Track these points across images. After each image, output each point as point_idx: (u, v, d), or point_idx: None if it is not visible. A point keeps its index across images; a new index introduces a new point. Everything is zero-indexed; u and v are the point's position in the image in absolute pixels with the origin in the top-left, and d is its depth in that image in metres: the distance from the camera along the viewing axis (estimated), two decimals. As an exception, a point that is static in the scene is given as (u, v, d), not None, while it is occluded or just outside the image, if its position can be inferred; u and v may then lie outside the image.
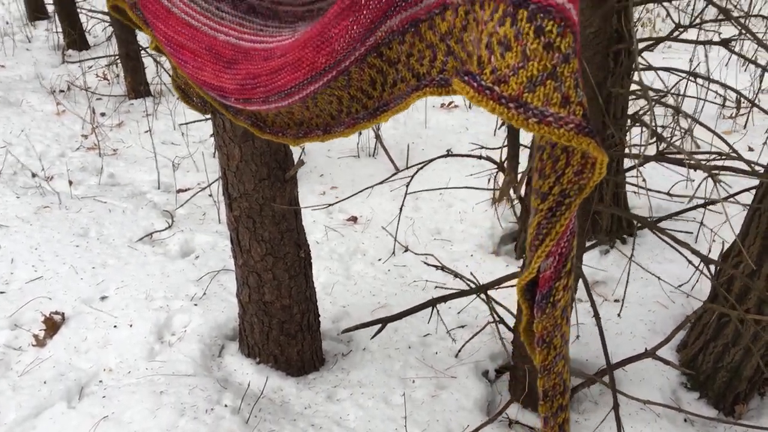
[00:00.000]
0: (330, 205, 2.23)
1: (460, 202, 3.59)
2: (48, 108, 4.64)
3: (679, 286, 2.80)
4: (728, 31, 5.68)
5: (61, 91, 4.98)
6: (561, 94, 0.76)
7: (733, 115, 4.45)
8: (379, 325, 2.09)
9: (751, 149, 4.07)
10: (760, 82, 3.84)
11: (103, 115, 4.67)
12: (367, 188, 2.31)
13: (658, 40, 2.06)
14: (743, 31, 1.62)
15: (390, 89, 1.11)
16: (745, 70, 5.23)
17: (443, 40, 0.98)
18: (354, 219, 3.51)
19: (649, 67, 1.95)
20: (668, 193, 2.31)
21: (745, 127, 4.40)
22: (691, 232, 3.06)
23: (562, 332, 1.01)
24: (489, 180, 3.58)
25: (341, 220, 3.50)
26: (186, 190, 3.76)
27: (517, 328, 2.25)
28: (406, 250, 2.70)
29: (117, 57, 5.04)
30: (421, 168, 2.27)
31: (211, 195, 3.65)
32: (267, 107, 1.29)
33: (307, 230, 3.19)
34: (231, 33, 1.43)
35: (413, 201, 3.58)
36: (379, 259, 3.17)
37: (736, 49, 5.35)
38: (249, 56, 1.36)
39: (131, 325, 2.64)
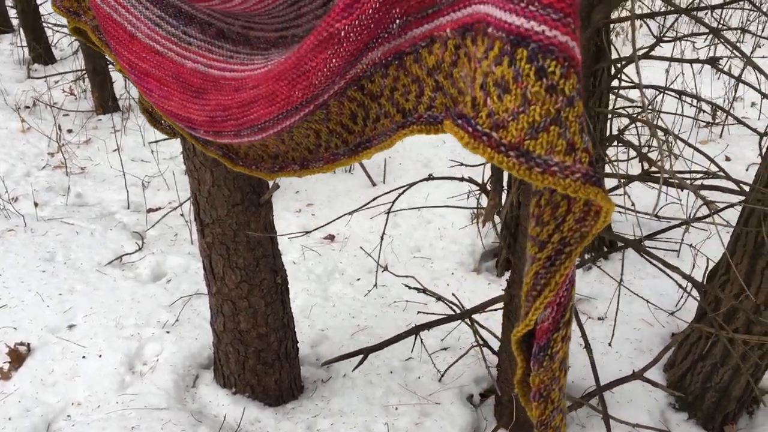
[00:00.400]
0: (308, 232, 2.15)
1: (439, 218, 3.52)
2: (12, 125, 4.49)
3: (671, 313, 2.75)
4: (702, 41, 5.70)
5: (27, 107, 4.83)
6: (566, 140, 0.69)
7: (709, 124, 4.46)
8: (361, 356, 2.00)
9: (728, 158, 4.06)
10: (735, 91, 3.84)
11: (70, 131, 4.53)
12: (346, 214, 2.23)
13: (642, 57, 2.01)
14: (732, 50, 1.58)
15: (373, 124, 1.03)
16: (719, 78, 5.25)
17: (431, 75, 0.91)
18: (331, 237, 3.42)
19: (632, 85, 1.90)
20: (655, 215, 2.26)
21: (721, 135, 4.40)
22: (676, 250, 3.02)
23: (560, 385, 0.95)
24: (468, 196, 3.52)
25: (318, 239, 3.41)
26: (157, 210, 3.65)
27: (502, 351, 2.19)
28: (385, 269, 2.62)
29: (84, 72, 4.90)
30: (402, 193, 2.20)
31: (182, 215, 3.54)
32: (239, 141, 1.21)
33: (284, 250, 3.10)
34: (199, 60, 1.34)
35: (392, 218, 3.50)
36: (358, 279, 3.09)
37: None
38: (219, 86, 1.27)
39: (100, 356, 2.53)
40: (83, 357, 2.53)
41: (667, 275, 1.94)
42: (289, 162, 1.22)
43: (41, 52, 5.61)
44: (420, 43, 0.90)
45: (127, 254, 3.18)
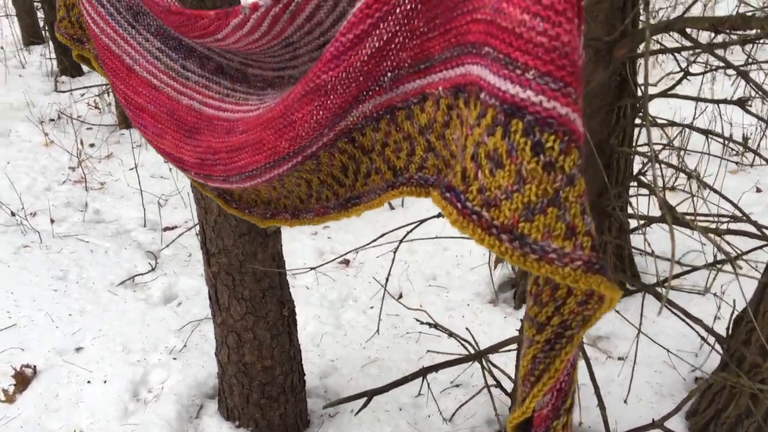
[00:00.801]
0: (314, 268, 2.08)
1: (456, 245, 3.44)
2: (36, 139, 4.52)
3: (694, 368, 2.64)
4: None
5: (51, 120, 4.86)
6: (565, 224, 0.62)
7: (740, 153, 4.32)
8: (365, 399, 1.93)
9: (759, 190, 3.93)
10: (765, 129, 3.70)
11: (92, 146, 4.54)
12: (360, 248, 2.16)
13: (663, 95, 1.92)
14: (758, 92, 1.49)
15: (363, 179, 0.97)
16: (751, 105, 5.09)
17: (422, 134, 0.85)
18: (346, 262, 3.36)
19: (655, 123, 1.81)
20: (678, 262, 2.16)
21: (752, 165, 4.26)
22: (701, 292, 2.90)
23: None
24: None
25: (333, 263, 3.35)
26: (173, 228, 3.62)
27: (515, 392, 2.10)
28: (400, 298, 2.55)
29: (108, 85, 4.92)
30: (419, 225, 2.13)
31: (197, 235, 3.50)
32: (228, 186, 1.15)
33: (297, 274, 3.05)
34: (195, 96, 1.30)
35: (408, 243, 3.43)
36: (371, 307, 3.02)
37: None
38: (212, 126, 1.22)
39: (105, 381, 2.49)
40: (88, 382, 2.49)
41: (689, 325, 1.85)
42: (281, 210, 1.16)
43: (68, 65, 5.65)
44: (412, 99, 0.83)
45: (139, 274, 3.15)
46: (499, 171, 0.65)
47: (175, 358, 2.61)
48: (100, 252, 3.30)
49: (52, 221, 3.52)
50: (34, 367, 2.55)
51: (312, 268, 2.06)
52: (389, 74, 0.84)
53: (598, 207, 1.94)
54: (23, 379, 2.50)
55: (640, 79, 2.38)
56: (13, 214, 3.47)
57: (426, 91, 0.81)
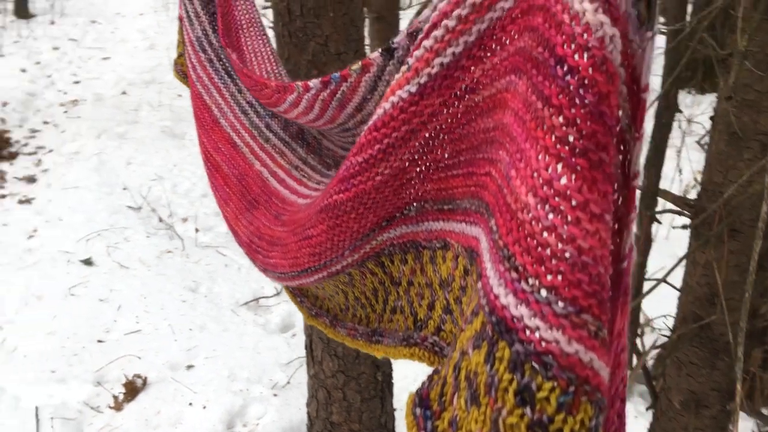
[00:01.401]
0: (411, 344, 1.90)
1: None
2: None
3: None
4: None
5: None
6: None
7: None
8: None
9: None
10: None
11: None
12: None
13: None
14: None
15: (390, 314, 0.79)
16: None
17: (443, 288, 0.65)
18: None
19: None
20: None
21: None
22: None
23: None
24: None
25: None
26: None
27: None
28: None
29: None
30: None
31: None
32: (265, 275, 1.02)
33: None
34: (267, 163, 1.18)
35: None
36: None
37: None
38: (269, 203, 1.09)
39: (205, 407, 2.48)
40: (190, 404, 2.49)
41: None
42: (324, 312, 1.00)
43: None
44: (435, 242, 0.65)
45: (264, 297, 3.15)
46: (474, 409, 0.44)
47: (275, 395, 2.55)
48: (233, 268, 3.35)
49: (197, 230, 3.64)
50: (145, 378, 2.60)
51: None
52: (415, 205, 0.66)
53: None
54: (133, 389, 2.55)
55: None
56: (160, 220, 3.63)
57: (447, 240, 0.62)
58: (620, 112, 0.44)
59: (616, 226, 0.47)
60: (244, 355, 2.75)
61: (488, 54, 0.51)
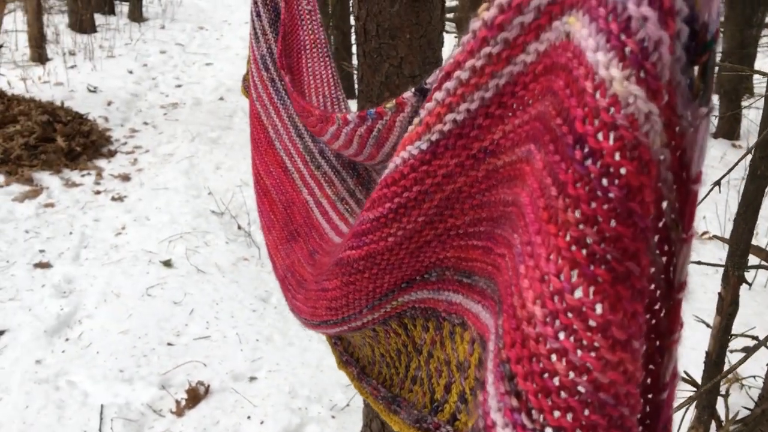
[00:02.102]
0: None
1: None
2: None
3: None
4: None
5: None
6: None
7: None
8: None
9: None
10: None
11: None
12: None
13: None
14: None
15: (410, 384, 0.71)
16: None
17: (460, 371, 0.57)
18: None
19: None
20: None
21: None
22: None
23: None
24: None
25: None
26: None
27: None
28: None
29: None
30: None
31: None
32: (292, 314, 0.96)
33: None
34: (315, 192, 1.12)
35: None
36: None
37: None
38: (308, 236, 1.03)
39: (262, 422, 2.45)
40: (248, 417, 2.48)
41: None
42: (354, 360, 0.93)
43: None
44: (455, 317, 0.57)
45: (334, 313, 3.11)
46: None
47: (333, 416, 2.49)
48: (306, 280, 3.33)
49: (275, 240, 3.66)
50: (208, 386, 2.61)
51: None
52: (435, 271, 0.58)
53: None
54: (195, 396, 2.56)
55: None
56: (239, 227, 3.66)
57: (466, 319, 0.53)
58: (665, 204, 0.34)
59: (657, 343, 0.37)
60: (307, 372, 2.71)
61: (509, 114, 0.43)
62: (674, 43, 0.30)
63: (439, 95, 0.45)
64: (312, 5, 1.30)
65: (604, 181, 0.31)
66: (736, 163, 1.44)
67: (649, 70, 0.30)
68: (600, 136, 0.31)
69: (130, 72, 6.25)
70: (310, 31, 1.27)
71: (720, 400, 2.00)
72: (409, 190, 0.50)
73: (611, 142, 0.30)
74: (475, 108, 0.44)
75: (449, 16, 3.27)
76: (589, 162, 0.31)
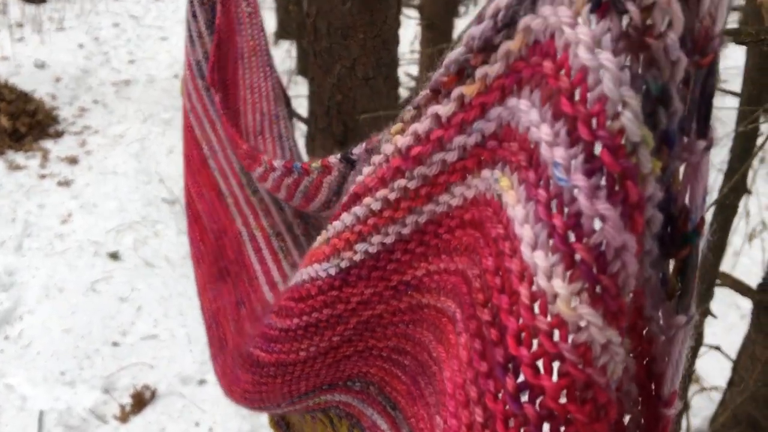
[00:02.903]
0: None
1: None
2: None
3: None
4: None
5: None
6: None
7: None
8: None
9: None
10: None
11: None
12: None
13: None
14: None
15: None
16: None
17: None
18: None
19: None
20: None
21: None
22: None
23: None
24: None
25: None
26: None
27: None
28: None
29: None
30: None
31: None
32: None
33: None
34: (249, 222, 1.01)
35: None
36: None
37: None
38: (237, 281, 0.93)
39: (211, 429, 2.36)
40: (196, 424, 2.38)
41: None
42: (283, 425, 0.83)
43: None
44: None
45: (288, 309, 3.01)
46: None
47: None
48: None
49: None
50: (154, 390, 2.50)
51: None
52: (359, 381, 0.49)
53: None
54: (140, 401, 2.45)
55: None
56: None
57: None
58: (626, 419, 0.26)
59: None
60: (259, 374, 2.62)
61: (433, 254, 0.34)
62: (642, 240, 0.21)
63: (347, 218, 0.36)
64: (253, 7, 1.18)
65: (545, 428, 0.22)
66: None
67: (607, 287, 0.21)
68: (540, 365, 0.22)
69: (81, 46, 5.98)
70: (250, 37, 1.15)
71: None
72: (319, 312, 0.42)
73: (555, 378, 0.22)
74: (391, 242, 0.35)
75: (414, 2, 3.15)
76: (525, 398, 0.22)
